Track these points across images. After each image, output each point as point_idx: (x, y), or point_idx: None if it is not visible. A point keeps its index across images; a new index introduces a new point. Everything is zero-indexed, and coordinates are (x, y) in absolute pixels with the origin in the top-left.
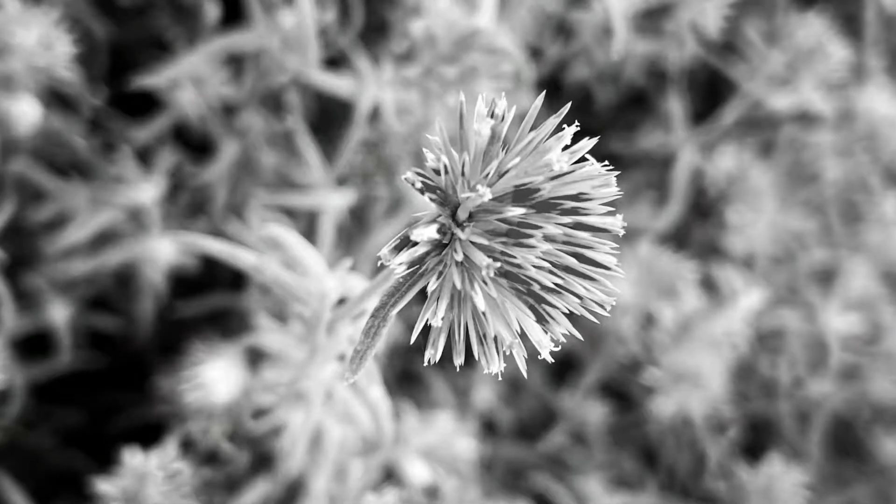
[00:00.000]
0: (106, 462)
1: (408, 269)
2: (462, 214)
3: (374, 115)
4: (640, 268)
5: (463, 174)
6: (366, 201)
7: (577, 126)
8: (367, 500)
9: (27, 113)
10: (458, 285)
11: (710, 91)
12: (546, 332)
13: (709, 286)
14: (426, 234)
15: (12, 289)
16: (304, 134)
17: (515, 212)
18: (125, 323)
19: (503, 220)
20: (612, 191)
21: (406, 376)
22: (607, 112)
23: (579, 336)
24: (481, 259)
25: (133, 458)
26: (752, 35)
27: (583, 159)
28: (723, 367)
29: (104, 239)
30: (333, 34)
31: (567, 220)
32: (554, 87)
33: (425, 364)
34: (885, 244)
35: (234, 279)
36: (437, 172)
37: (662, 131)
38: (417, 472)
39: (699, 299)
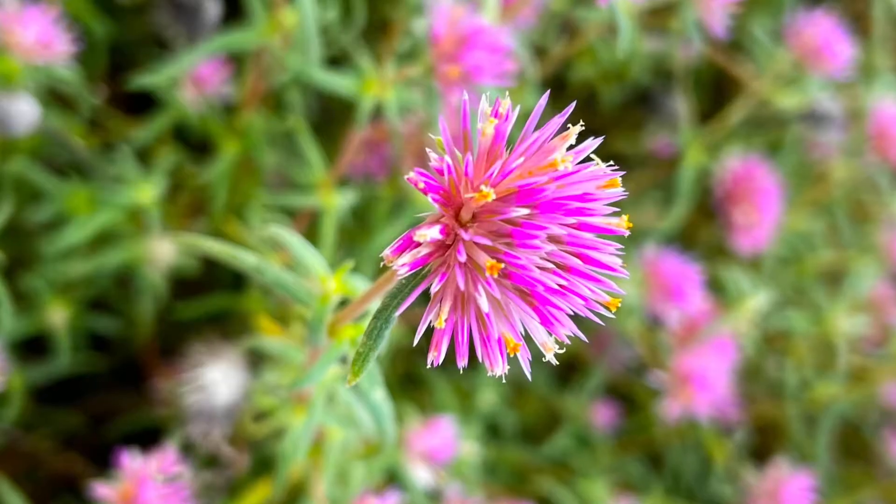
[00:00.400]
0: (105, 465)
1: (410, 270)
2: (465, 215)
3: (377, 114)
4: (645, 269)
5: (466, 174)
6: (368, 201)
7: (581, 125)
8: None
9: (26, 112)
10: (462, 287)
11: (716, 90)
12: (550, 334)
13: (715, 287)
14: (429, 234)
15: (11, 290)
16: (306, 133)
17: (520, 212)
18: (125, 325)
19: (507, 221)
20: (618, 191)
21: (409, 379)
22: (612, 111)
23: (584, 338)
24: (485, 260)
25: (132, 462)
26: (759, 33)
27: (588, 159)
28: (729, 369)
29: (103, 240)
30: (335, 32)
31: (572, 220)
32: (558, 86)
33: (428, 366)
34: (894, 245)
35: (235, 280)
36: (441, 172)
37: (668, 131)
38: (420, 475)
39: (705, 300)
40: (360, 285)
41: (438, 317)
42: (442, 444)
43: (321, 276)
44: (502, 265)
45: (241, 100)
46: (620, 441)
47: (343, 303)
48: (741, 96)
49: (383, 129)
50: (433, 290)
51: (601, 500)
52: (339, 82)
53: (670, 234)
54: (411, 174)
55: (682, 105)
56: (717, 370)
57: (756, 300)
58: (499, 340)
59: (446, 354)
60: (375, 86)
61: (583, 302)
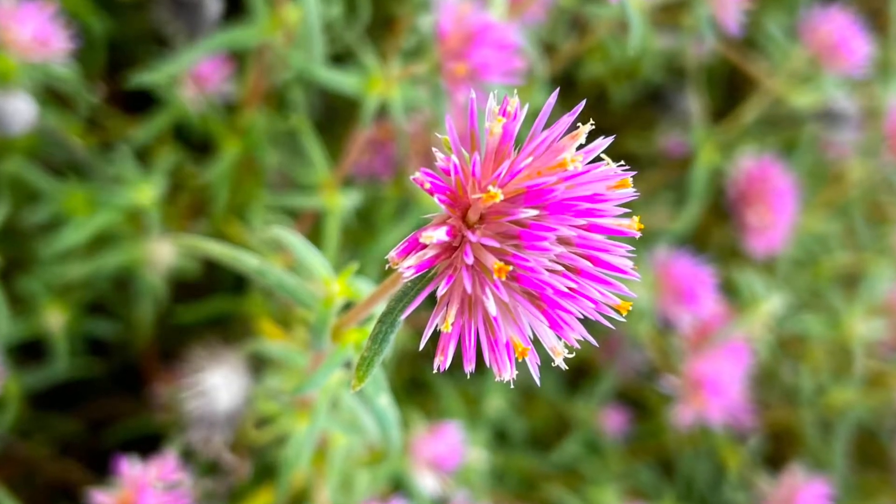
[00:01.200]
0: (103, 472)
1: (416, 272)
2: (473, 216)
3: (382, 113)
4: (657, 271)
5: (474, 174)
6: (373, 202)
7: (591, 124)
8: None
9: (22, 111)
10: (469, 289)
11: (729, 88)
12: (560, 339)
13: (729, 290)
14: (435, 236)
15: (7, 293)
16: (309, 133)
17: (528, 213)
18: (123, 328)
19: (515, 222)
20: (629, 192)
21: (415, 384)
22: (623, 110)
23: (594, 342)
24: (492, 262)
25: (131, 469)
26: (773, 30)
27: (598, 159)
28: (743, 374)
29: (102, 241)
30: (339, 29)
31: (582, 221)
32: (568, 84)
33: (435, 371)
34: None
35: (237, 283)
36: (447, 172)
37: (680, 130)
38: (426, 483)
39: (718, 304)
40: (364, 288)
41: (445, 320)
42: (448, 450)
43: (325, 279)
44: (510, 267)
45: (242, 98)
46: (631, 447)
47: (347, 306)
48: (755, 95)
49: (388, 129)
50: (440, 292)
51: None
52: (342, 80)
53: (682, 236)
54: (417, 174)
55: (694, 103)
56: (730, 375)
57: (770, 303)
58: (507, 344)
59: (453, 359)
60: (380, 84)
61: (593, 305)
